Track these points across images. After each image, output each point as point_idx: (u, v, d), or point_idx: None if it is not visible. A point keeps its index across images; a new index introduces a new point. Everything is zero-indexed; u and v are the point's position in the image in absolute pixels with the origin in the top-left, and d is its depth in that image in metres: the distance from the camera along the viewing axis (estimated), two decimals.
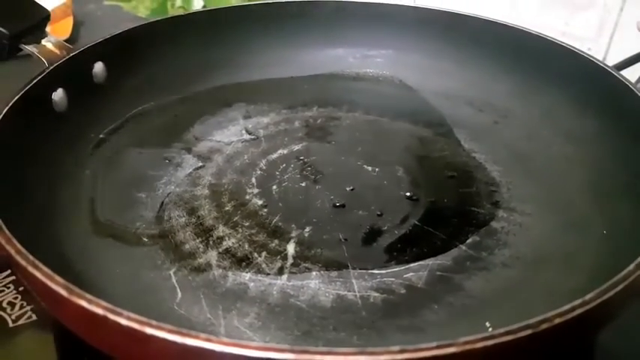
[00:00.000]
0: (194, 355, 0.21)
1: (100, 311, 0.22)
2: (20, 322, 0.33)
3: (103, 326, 0.22)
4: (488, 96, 0.48)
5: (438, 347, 0.20)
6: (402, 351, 0.20)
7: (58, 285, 0.23)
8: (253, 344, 0.21)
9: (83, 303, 0.22)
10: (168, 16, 0.50)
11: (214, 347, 0.21)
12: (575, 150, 0.42)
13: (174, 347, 0.21)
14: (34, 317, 0.33)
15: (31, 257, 0.25)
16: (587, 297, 0.22)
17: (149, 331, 0.21)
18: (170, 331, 0.21)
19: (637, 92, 0.38)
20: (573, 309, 0.22)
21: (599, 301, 0.22)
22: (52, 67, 0.40)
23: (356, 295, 0.32)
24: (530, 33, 0.48)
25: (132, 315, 0.22)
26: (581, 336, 0.24)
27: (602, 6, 0.61)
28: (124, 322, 0.22)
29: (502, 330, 0.21)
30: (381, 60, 0.53)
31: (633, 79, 0.44)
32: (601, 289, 0.23)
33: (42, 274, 0.24)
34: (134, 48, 0.46)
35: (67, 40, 0.62)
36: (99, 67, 0.44)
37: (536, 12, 0.66)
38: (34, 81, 0.38)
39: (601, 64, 0.42)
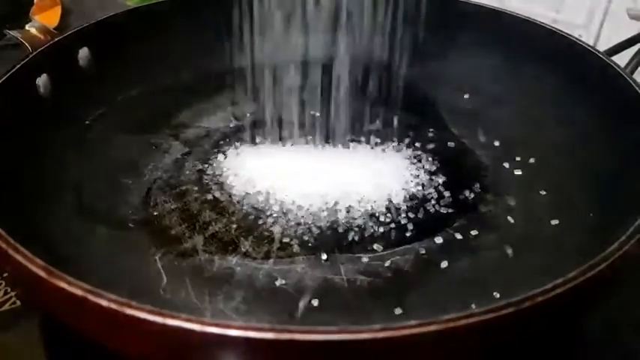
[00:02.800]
0: (175, 335, 0.21)
1: (79, 293, 0.22)
2: (4, 307, 0.33)
3: (84, 308, 0.22)
4: (478, 81, 0.48)
5: (419, 325, 0.20)
6: (383, 329, 0.20)
7: (37, 267, 0.23)
8: (234, 324, 0.21)
9: (63, 285, 0.22)
10: (155, 1, 0.50)
11: (195, 327, 0.21)
12: (564, 134, 0.42)
13: (155, 328, 0.21)
14: (18, 303, 0.33)
15: (11, 240, 0.24)
16: (570, 275, 0.22)
17: (129, 312, 0.21)
18: (150, 312, 0.21)
19: (627, 77, 0.38)
20: (555, 287, 0.22)
21: (581, 279, 0.22)
22: (35, 53, 0.39)
23: (343, 279, 0.32)
24: (520, 18, 0.47)
25: (112, 296, 0.21)
26: (564, 315, 0.24)
27: None
28: (104, 303, 0.21)
29: (484, 308, 0.21)
30: (369, 45, 0.52)
31: (622, 65, 0.44)
32: (583, 268, 0.23)
33: (22, 256, 0.24)
34: (120, 34, 0.46)
35: (55, 29, 0.61)
36: (84, 52, 0.43)
37: None
38: (17, 66, 0.37)
39: (591, 49, 0.42)
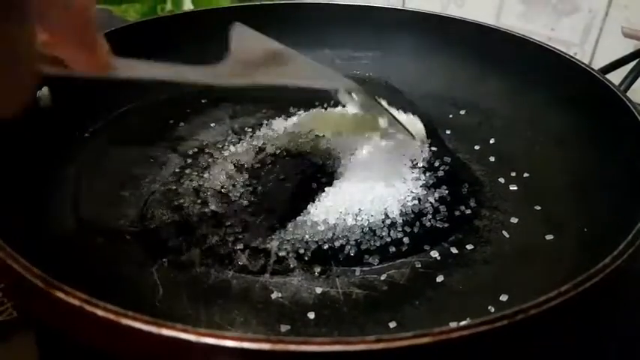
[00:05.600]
0: (171, 345, 0.21)
1: (76, 302, 0.22)
2: (0, 318, 0.33)
3: (80, 318, 0.22)
4: (474, 97, 0.49)
5: (413, 337, 0.21)
6: (377, 341, 0.20)
7: (34, 277, 0.23)
8: (229, 334, 0.21)
9: (60, 294, 0.22)
10: (155, 16, 0.50)
11: (190, 337, 0.21)
12: (558, 150, 0.42)
13: (151, 338, 0.21)
14: (15, 314, 0.33)
15: (8, 249, 0.25)
16: (563, 289, 0.23)
17: (125, 322, 0.21)
18: (146, 322, 0.21)
19: (621, 95, 0.39)
20: (549, 300, 0.22)
21: (573, 292, 0.23)
22: None
23: (338, 292, 0.32)
24: (516, 36, 0.48)
25: (108, 306, 0.22)
26: (557, 327, 0.24)
27: (587, 11, 0.62)
28: (100, 313, 0.22)
29: (478, 320, 0.21)
30: (367, 61, 0.53)
31: (617, 82, 0.44)
32: (576, 282, 0.23)
33: (20, 266, 0.24)
34: (119, 48, 0.46)
35: None
36: None
37: (522, 18, 0.67)
38: None
39: (585, 67, 0.43)
